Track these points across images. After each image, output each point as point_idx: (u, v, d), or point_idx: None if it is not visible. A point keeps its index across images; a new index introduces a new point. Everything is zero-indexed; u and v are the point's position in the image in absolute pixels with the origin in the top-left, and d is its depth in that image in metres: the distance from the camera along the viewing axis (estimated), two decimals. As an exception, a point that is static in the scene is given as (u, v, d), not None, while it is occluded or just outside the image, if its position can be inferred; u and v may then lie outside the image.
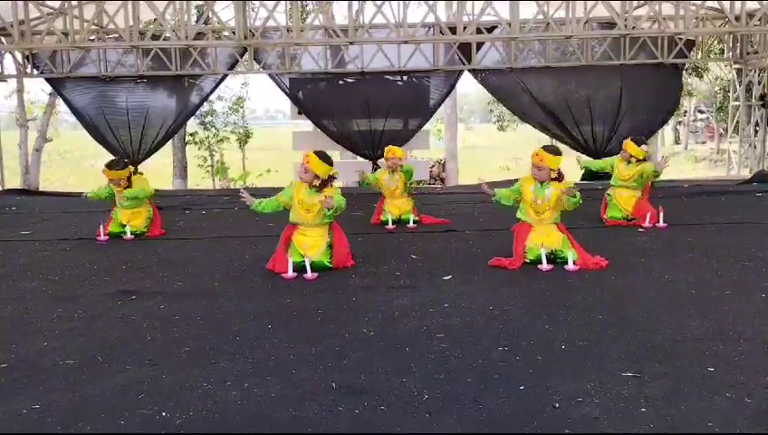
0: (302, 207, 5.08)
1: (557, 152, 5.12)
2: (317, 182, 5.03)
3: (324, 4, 10.43)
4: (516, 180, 5.36)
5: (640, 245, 5.81)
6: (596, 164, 7.53)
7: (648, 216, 6.60)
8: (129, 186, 6.65)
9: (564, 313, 3.84)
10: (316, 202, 5.01)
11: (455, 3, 10.07)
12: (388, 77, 10.99)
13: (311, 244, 5.04)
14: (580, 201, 5.05)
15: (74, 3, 9.09)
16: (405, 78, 11.00)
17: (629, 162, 6.79)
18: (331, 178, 5.09)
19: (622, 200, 6.81)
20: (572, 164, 7.19)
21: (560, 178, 5.08)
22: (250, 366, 3.12)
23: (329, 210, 4.95)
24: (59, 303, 4.31)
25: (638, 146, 6.72)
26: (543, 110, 10.93)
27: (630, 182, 6.78)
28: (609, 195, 7.00)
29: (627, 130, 9.97)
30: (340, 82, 11.14)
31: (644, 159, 6.78)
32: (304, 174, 5.04)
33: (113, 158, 6.81)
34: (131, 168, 6.83)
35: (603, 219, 6.90)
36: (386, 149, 7.37)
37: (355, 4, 9.77)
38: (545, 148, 5.16)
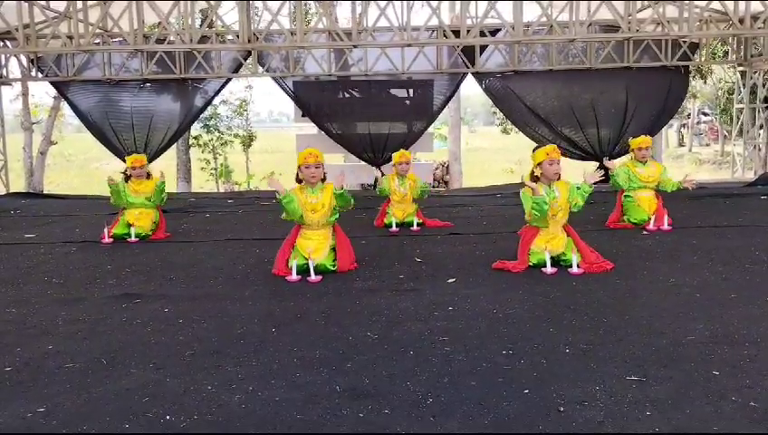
0: (307, 208, 5.08)
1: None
2: (323, 175, 5.12)
3: (327, 5, 10.43)
4: (520, 184, 5.29)
5: (645, 247, 5.79)
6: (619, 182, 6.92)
7: (653, 218, 6.58)
8: (148, 177, 6.91)
9: (568, 316, 3.84)
10: (324, 199, 5.04)
11: (458, 5, 10.07)
12: (392, 91, 11.07)
13: (314, 247, 5.05)
14: (588, 194, 5.03)
15: (79, 6, 9.11)
16: (410, 92, 11.06)
17: (643, 162, 6.76)
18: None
19: (646, 202, 6.75)
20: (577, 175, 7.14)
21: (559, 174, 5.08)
22: (254, 369, 3.12)
23: (341, 189, 5.00)
24: (63, 306, 4.33)
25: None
26: (546, 118, 10.90)
27: (653, 182, 6.77)
28: (629, 198, 6.81)
29: (633, 132, 9.94)
30: (346, 94, 11.19)
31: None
32: (316, 170, 5.04)
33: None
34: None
35: (609, 224, 6.84)
36: (395, 154, 7.35)
37: (358, 8, 9.79)
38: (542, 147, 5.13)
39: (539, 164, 5.01)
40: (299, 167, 5.09)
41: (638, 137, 6.90)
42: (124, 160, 10.84)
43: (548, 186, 5.04)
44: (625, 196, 6.88)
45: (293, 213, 5.00)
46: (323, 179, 5.15)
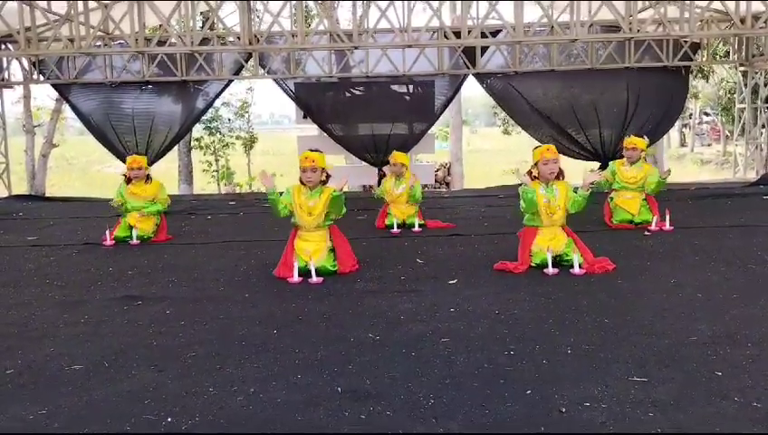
0: (303, 210, 5.08)
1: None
2: (324, 177, 5.09)
3: (328, 5, 10.44)
4: (519, 185, 5.27)
5: (647, 248, 5.79)
6: (603, 182, 7.03)
7: (655, 219, 6.58)
8: (147, 180, 6.89)
9: (570, 317, 3.83)
10: (319, 203, 5.03)
11: (458, 5, 10.06)
12: (393, 88, 11.07)
13: (313, 249, 5.05)
14: (586, 199, 4.99)
15: (80, 8, 9.12)
16: (411, 90, 11.06)
17: (633, 163, 6.79)
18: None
19: (626, 204, 6.78)
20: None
21: (562, 174, 5.08)
22: (255, 371, 3.12)
23: (340, 191, 4.99)
24: (65, 308, 4.33)
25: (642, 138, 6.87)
26: (549, 116, 10.88)
27: (635, 184, 6.77)
28: (611, 199, 6.94)
29: (634, 133, 9.91)
30: (347, 94, 11.19)
31: (645, 151, 6.87)
32: (312, 174, 5.03)
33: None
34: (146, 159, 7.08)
35: (608, 224, 6.87)
36: (392, 154, 7.40)
37: (359, 9, 9.78)
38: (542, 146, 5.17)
39: (536, 164, 5.07)
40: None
41: (634, 137, 6.90)
42: (125, 162, 10.96)
43: (545, 184, 5.05)
44: (610, 197, 6.94)
45: (275, 212, 5.09)
46: (324, 182, 5.13)
